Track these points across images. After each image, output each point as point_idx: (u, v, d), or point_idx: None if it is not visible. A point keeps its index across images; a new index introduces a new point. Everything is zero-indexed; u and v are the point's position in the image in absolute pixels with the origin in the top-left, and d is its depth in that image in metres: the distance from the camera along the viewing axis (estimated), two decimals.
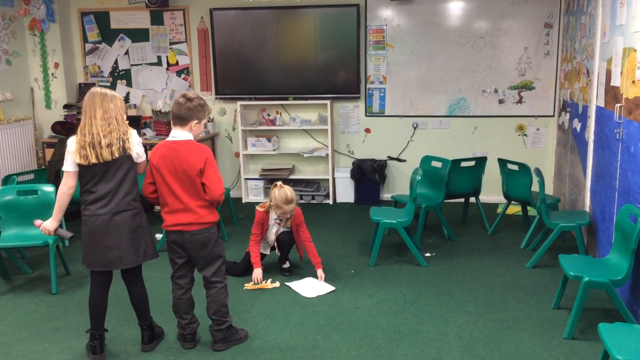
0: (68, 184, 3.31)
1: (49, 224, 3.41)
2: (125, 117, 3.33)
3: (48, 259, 4.53)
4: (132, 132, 3.33)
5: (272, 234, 4.64)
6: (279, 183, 4.53)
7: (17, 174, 5.27)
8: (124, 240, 3.31)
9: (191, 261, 3.49)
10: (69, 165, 3.28)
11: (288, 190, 4.47)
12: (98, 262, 3.32)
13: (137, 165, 3.38)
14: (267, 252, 4.72)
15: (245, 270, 4.61)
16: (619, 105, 4.02)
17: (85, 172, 3.27)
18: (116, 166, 3.25)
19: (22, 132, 6.83)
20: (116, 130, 3.23)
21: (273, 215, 4.60)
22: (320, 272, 4.54)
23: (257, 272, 4.45)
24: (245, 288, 4.42)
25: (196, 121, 3.36)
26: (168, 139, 3.39)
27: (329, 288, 4.38)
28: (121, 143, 3.23)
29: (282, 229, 4.64)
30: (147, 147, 6.57)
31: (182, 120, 3.34)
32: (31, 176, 5.45)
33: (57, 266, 4.51)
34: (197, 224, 3.36)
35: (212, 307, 3.48)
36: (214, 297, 3.47)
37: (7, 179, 5.12)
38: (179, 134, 3.36)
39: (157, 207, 6.55)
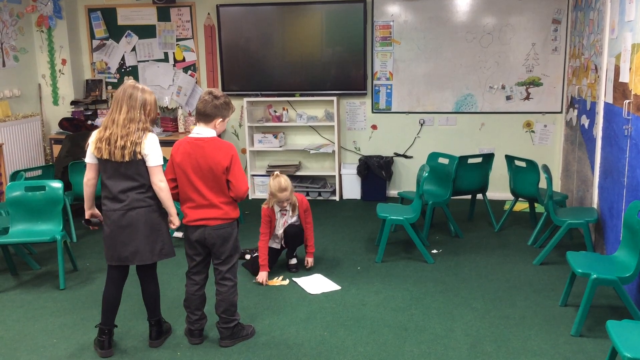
0: (87, 176, 3.36)
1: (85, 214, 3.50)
2: (149, 117, 3.28)
3: (56, 254, 4.55)
4: (150, 136, 3.27)
5: (279, 226, 4.64)
6: (275, 172, 4.57)
7: (25, 170, 5.29)
8: (139, 236, 3.32)
9: (207, 258, 3.50)
10: (87, 156, 3.33)
11: (282, 179, 4.49)
12: (114, 256, 3.36)
13: (150, 170, 3.28)
14: (278, 246, 4.71)
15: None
16: (627, 101, 4.00)
17: (101, 165, 3.30)
18: (128, 166, 3.24)
19: (30, 128, 6.86)
20: (134, 134, 3.20)
21: (277, 208, 4.62)
22: (309, 259, 4.64)
23: (263, 275, 4.45)
24: (254, 281, 4.44)
25: (220, 119, 3.36)
26: (191, 135, 3.38)
27: (335, 287, 4.38)
28: (134, 147, 3.21)
29: (289, 221, 4.64)
30: None
31: (206, 117, 3.34)
32: (39, 172, 5.47)
33: (64, 262, 4.53)
34: (221, 219, 3.38)
35: (222, 305, 3.49)
36: (224, 295, 3.48)
37: (15, 175, 5.14)
38: (203, 130, 3.35)
39: None
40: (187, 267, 3.54)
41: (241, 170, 3.39)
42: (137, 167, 3.27)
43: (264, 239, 4.55)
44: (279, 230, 4.65)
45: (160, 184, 3.32)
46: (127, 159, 3.21)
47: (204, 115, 3.34)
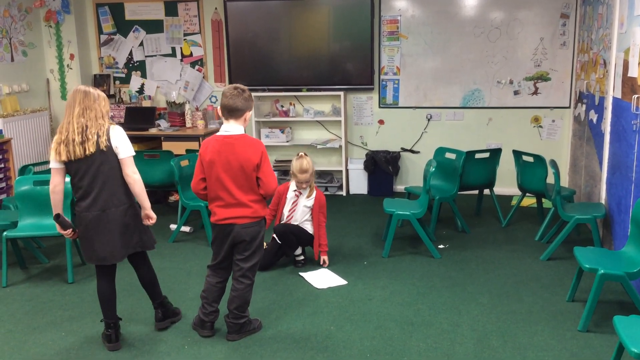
0: (53, 182, 3.29)
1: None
2: (107, 114, 3.25)
3: (64, 248, 4.58)
4: (114, 128, 3.25)
5: (288, 205, 4.67)
6: (301, 153, 4.63)
7: (34, 165, 5.32)
8: (115, 236, 3.30)
9: (231, 255, 3.48)
10: (51, 162, 3.27)
11: (305, 161, 4.56)
12: (92, 257, 3.34)
13: (122, 162, 3.25)
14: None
15: (270, 259, 4.62)
16: (636, 96, 3.98)
17: (69, 168, 3.25)
18: (98, 162, 3.20)
19: (38, 122, 6.89)
20: (93, 127, 3.17)
21: (293, 187, 4.66)
22: (324, 258, 4.62)
23: None
24: None
25: (249, 112, 3.37)
26: (220, 133, 3.36)
27: (341, 281, 4.39)
28: (96, 138, 3.17)
29: (302, 202, 4.64)
30: (162, 137, 6.63)
31: (237, 112, 3.31)
32: (47, 166, 5.50)
33: (73, 256, 4.56)
34: (250, 218, 3.37)
35: (236, 301, 3.49)
36: (240, 292, 3.48)
37: (24, 169, 5.18)
38: (232, 127, 3.34)
39: (172, 198, 6.61)
40: (212, 261, 3.53)
41: (270, 167, 3.40)
42: (105, 163, 3.21)
43: (271, 213, 4.66)
44: (285, 212, 4.67)
45: (134, 176, 3.29)
46: (92, 150, 3.16)
47: (234, 111, 3.31)
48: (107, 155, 3.22)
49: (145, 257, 3.55)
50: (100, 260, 3.34)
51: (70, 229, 3.39)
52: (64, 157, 3.19)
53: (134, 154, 3.32)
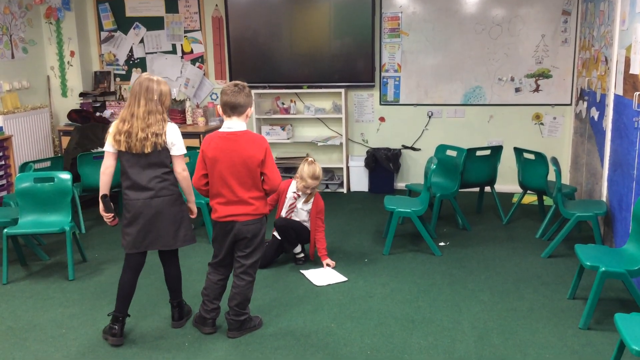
0: (105, 164, 3.40)
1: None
2: (166, 108, 3.36)
3: (65, 245, 4.57)
4: (170, 126, 3.36)
5: (285, 207, 4.64)
6: (310, 158, 4.59)
7: (34, 162, 5.31)
8: (163, 222, 3.39)
9: (232, 253, 3.49)
10: (107, 145, 3.37)
11: (317, 167, 4.52)
12: (136, 244, 3.40)
13: (174, 159, 3.40)
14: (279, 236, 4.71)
15: (270, 257, 4.62)
16: (637, 93, 3.97)
17: (122, 155, 3.35)
18: (152, 156, 3.32)
19: (39, 120, 6.88)
20: (154, 125, 3.28)
21: (292, 188, 4.62)
22: (327, 261, 4.59)
23: None
24: None
25: (250, 108, 3.40)
26: (223, 130, 3.37)
27: (341, 278, 4.38)
28: (155, 138, 3.28)
29: (299, 206, 4.63)
30: None
31: (240, 108, 3.33)
32: (48, 164, 5.50)
33: (73, 253, 4.55)
34: (251, 215, 3.38)
35: (237, 298, 3.49)
36: (241, 289, 3.48)
37: (24, 167, 5.17)
38: (234, 124, 3.35)
39: None
40: (213, 258, 3.54)
41: (274, 163, 3.42)
42: (159, 156, 3.34)
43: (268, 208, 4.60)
44: (282, 213, 4.65)
45: (184, 173, 3.44)
46: (148, 150, 3.28)
47: (237, 107, 3.32)
48: (161, 150, 3.34)
49: (176, 255, 3.61)
50: (145, 247, 3.42)
51: (112, 214, 3.47)
52: (122, 148, 3.30)
53: (185, 151, 3.46)
